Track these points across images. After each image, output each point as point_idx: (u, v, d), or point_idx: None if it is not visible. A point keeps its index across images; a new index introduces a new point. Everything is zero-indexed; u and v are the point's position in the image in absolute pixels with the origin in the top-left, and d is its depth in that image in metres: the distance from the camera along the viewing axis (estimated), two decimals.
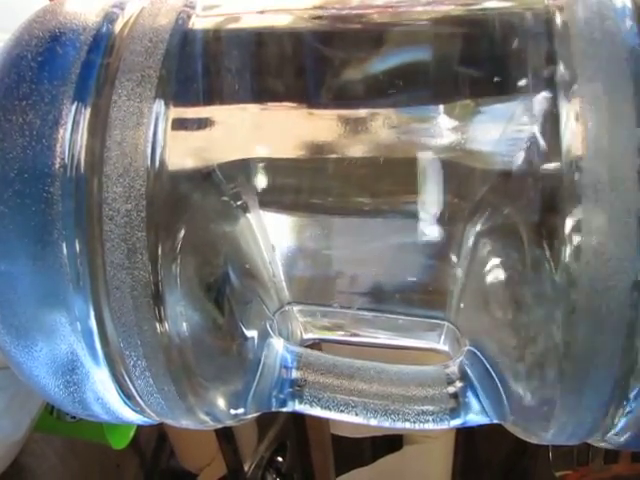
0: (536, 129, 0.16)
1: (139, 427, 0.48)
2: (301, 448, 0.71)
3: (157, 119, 0.17)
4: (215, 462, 0.69)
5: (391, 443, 0.67)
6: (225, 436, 0.65)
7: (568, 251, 0.15)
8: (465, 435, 0.71)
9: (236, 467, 0.68)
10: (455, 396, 0.19)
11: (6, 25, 0.21)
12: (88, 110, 0.17)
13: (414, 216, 0.19)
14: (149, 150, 0.17)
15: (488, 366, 0.18)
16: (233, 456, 0.67)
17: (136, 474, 0.66)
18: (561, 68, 0.16)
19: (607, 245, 0.14)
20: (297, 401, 0.20)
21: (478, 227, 0.18)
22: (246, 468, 0.72)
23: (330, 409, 0.20)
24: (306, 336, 0.23)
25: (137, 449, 0.67)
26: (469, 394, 0.19)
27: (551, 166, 0.16)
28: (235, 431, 0.66)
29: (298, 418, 0.71)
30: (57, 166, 0.17)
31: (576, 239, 0.15)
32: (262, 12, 0.20)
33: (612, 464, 0.61)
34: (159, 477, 0.71)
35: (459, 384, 0.19)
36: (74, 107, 0.17)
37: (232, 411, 0.20)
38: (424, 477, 0.71)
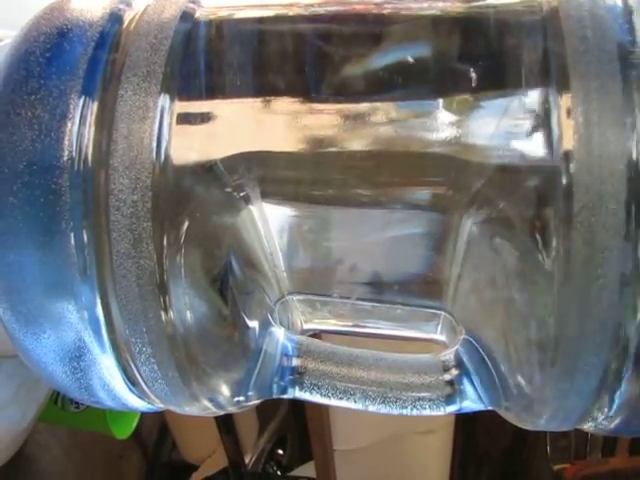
0: (530, 124, 0.17)
1: (141, 420, 0.48)
2: (301, 441, 0.72)
3: (162, 113, 0.17)
4: (216, 454, 0.70)
5: None
6: (226, 428, 0.66)
7: (559, 242, 0.15)
8: (464, 428, 0.72)
9: (237, 459, 0.69)
10: (451, 383, 0.20)
11: (14, 22, 0.21)
12: (95, 104, 0.18)
13: (412, 208, 0.20)
14: (155, 143, 0.17)
15: (483, 354, 0.19)
16: (234, 448, 0.67)
17: (138, 465, 0.67)
18: (554, 64, 0.16)
19: (597, 236, 0.15)
20: (297, 388, 0.20)
21: (474, 219, 0.18)
22: (247, 460, 0.73)
23: (329, 396, 0.20)
24: (306, 326, 0.23)
25: (139, 441, 0.67)
26: (465, 381, 0.20)
27: (544, 160, 0.16)
28: (236, 423, 0.67)
29: (298, 411, 0.71)
30: (65, 159, 0.17)
31: (567, 230, 0.15)
32: (264, 8, 0.21)
33: (609, 457, 0.62)
34: (161, 468, 0.71)
35: (455, 371, 0.20)
36: (81, 101, 0.18)
37: (234, 398, 0.20)
38: (423, 467, 0.71)
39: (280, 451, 0.79)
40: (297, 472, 0.75)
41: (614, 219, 0.15)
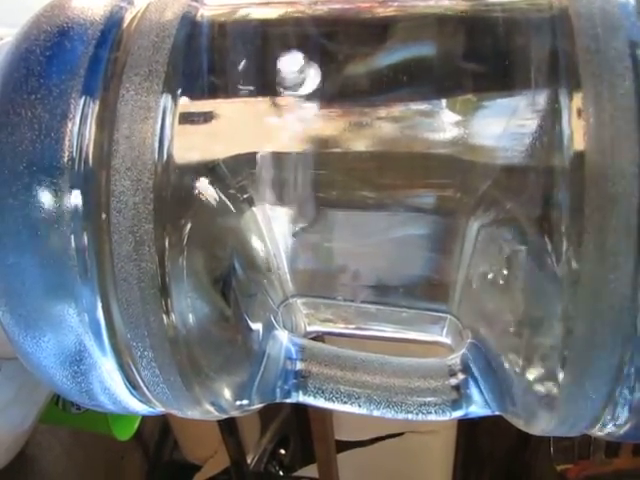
0: (538, 124, 0.16)
1: (143, 420, 0.48)
2: (304, 441, 0.72)
3: (164, 113, 0.17)
4: (218, 454, 0.70)
5: None
6: (228, 429, 0.66)
7: (569, 245, 0.15)
8: (467, 429, 0.72)
9: (239, 459, 0.69)
10: (457, 388, 0.19)
11: (14, 20, 0.21)
12: (96, 104, 0.17)
13: (417, 210, 0.19)
14: (157, 144, 0.17)
15: (490, 358, 0.19)
16: (236, 448, 0.67)
17: (140, 465, 0.67)
18: (563, 63, 0.16)
19: (607, 238, 0.15)
20: (301, 392, 0.20)
21: (480, 221, 0.18)
22: (249, 460, 0.73)
23: (333, 400, 0.20)
24: (310, 329, 0.23)
25: (141, 441, 0.67)
26: (471, 386, 0.19)
27: (553, 161, 0.16)
28: (238, 424, 0.67)
29: (301, 411, 0.71)
30: (66, 159, 0.17)
31: (577, 233, 0.15)
32: (267, 6, 0.21)
33: (613, 458, 0.62)
34: (162, 468, 0.71)
35: (461, 376, 0.19)
36: (82, 101, 0.17)
37: (237, 402, 0.20)
38: (426, 468, 0.71)
39: (282, 451, 0.79)
40: (300, 473, 0.75)
41: (626, 222, 0.15)
